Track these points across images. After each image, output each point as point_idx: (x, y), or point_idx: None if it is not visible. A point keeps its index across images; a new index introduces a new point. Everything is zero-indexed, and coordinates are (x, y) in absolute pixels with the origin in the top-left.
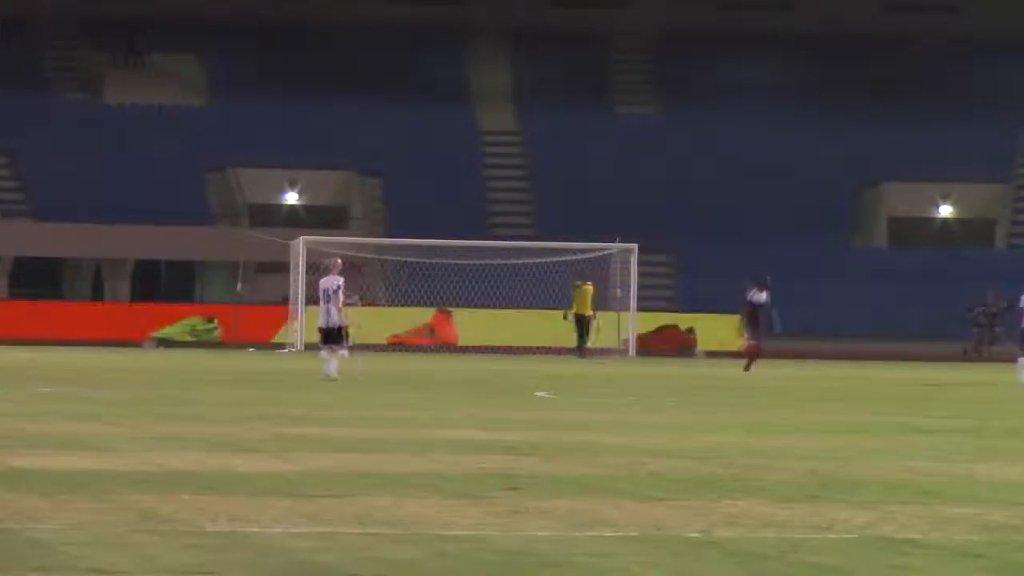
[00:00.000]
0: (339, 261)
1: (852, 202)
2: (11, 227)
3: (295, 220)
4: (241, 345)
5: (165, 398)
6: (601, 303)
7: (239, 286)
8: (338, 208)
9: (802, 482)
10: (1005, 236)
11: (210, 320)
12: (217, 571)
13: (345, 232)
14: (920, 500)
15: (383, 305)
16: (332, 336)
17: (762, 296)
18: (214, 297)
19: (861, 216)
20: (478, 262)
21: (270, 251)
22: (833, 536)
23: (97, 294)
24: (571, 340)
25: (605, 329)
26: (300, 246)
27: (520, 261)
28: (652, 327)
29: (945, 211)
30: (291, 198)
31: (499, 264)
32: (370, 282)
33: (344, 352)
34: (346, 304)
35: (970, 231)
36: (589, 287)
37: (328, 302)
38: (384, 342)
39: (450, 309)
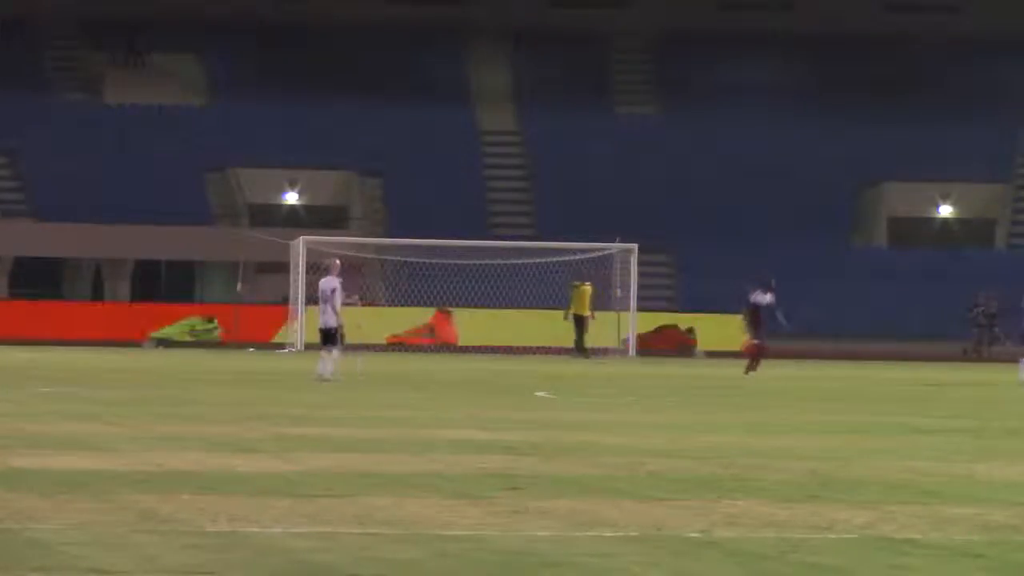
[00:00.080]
0: (338, 262)
1: (852, 202)
2: (11, 227)
3: (295, 220)
4: (241, 345)
5: (165, 398)
6: (601, 303)
7: (239, 286)
8: (338, 208)
9: (802, 482)
10: (1005, 236)
11: (210, 320)
12: (217, 571)
13: (345, 232)
14: (920, 500)
15: (383, 305)
16: (329, 337)
17: (766, 297)
18: (214, 297)
19: (861, 216)
20: (478, 262)
21: (270, 251)
22: (833, 536)
23: (97, 294)
24: (571, 341)
25: (605, 329)
26: (300, 246)
27: (520, 261)
28: (652, 327)
29: (945, 211)
30: (291, 198)
31: (499, 264)
32: (370, 282)
33: (335, 352)
34: (346, 304)
35: (970, 231)
36: (587, 287)
37: (326, 303)
38: (384, 342)
39: (450, 309)
